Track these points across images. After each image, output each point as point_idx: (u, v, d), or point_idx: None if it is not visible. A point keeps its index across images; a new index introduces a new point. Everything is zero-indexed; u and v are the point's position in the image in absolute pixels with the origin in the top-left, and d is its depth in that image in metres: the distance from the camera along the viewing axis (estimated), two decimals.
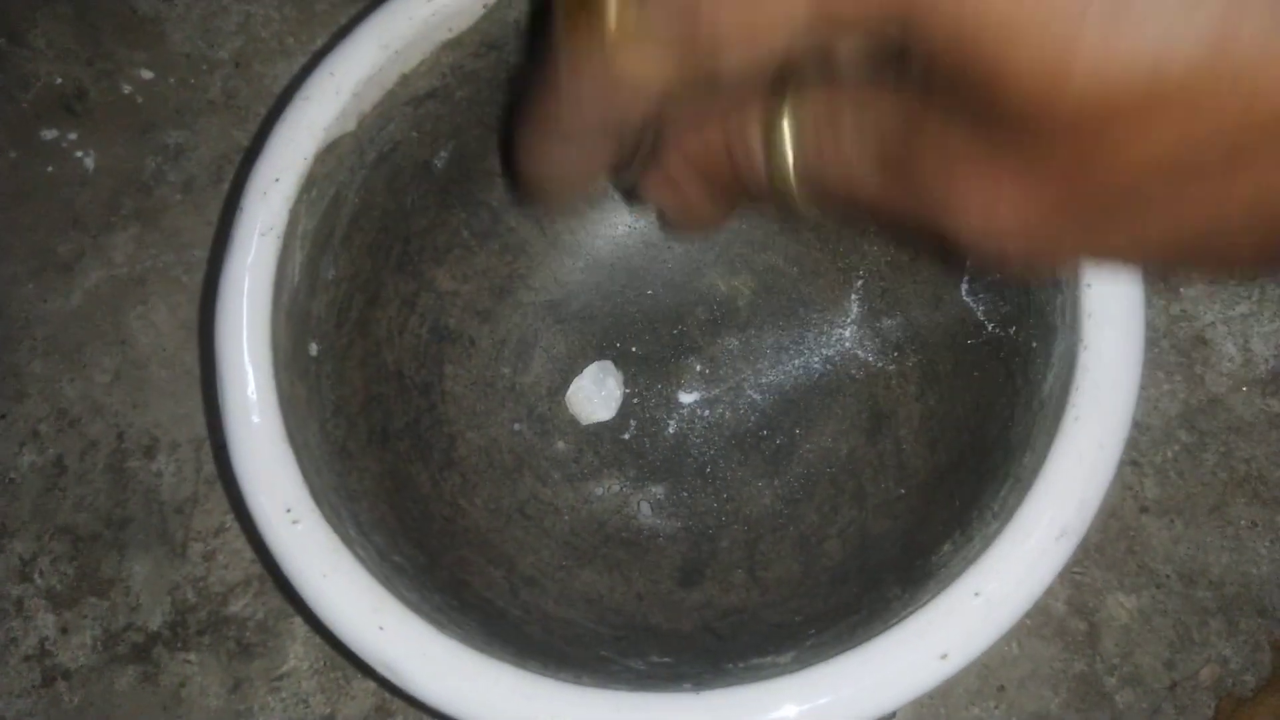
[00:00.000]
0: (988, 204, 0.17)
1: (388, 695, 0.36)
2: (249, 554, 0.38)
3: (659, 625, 0.32)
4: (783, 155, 0.20)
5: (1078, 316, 0.27)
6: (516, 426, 0.36)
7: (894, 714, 0.34)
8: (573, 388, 0.37)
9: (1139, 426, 0.39)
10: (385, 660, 0.24)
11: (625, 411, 0.37)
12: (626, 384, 0.38)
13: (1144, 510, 0.38)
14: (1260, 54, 0.14)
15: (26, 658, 0.37)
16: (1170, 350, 0.40)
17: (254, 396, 0.26)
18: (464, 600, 0.29)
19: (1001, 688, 0.36)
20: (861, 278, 0.36)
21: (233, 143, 0.44)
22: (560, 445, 0.37)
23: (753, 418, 0.37)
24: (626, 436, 0.37)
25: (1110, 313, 0.26)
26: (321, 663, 0.37)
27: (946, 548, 0.27)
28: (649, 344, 0.38)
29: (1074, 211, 0.17)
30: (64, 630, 0.38)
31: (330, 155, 0.29)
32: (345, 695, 0.37)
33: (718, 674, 0.26)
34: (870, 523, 0.33)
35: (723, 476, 0.36)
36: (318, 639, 0.37)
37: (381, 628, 0.24)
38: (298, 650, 0.37)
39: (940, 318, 0.34)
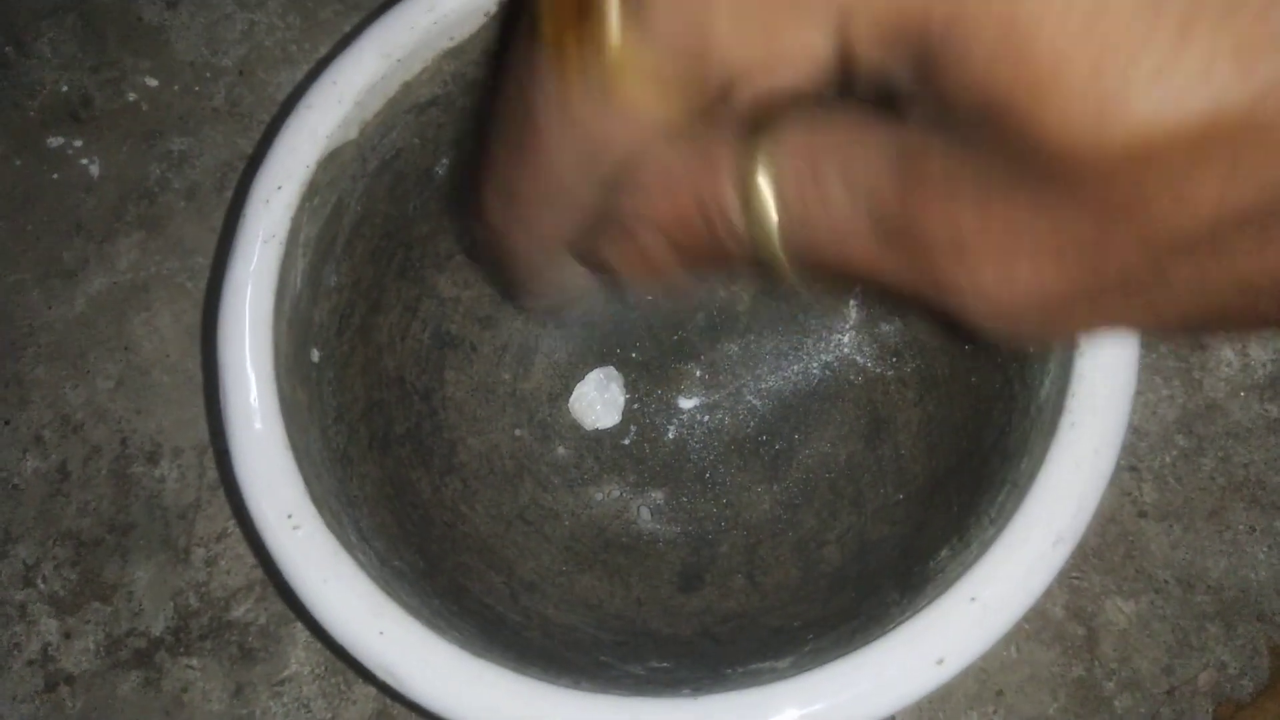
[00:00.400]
0: (1003, 280, 0.16)
1: (388, 700, 0.37)
2: (251, 559, 0.39)
3: (658, 630, 0.32)
4: (763, 217, 0.18)
5: None
6: (517, 432, 0.36)
7: (892, 719, 0.34)
8: (576, 394, 0.37)
9: (1137, 431, 0.39)
10: (386, 665, 0.24)
11: (625, 417, 0.38)
12: (627, 389, 0.38)
13: (1142, 515, 0.38)
14: None
15: (30, 663, 0.37)
16: (1168, 355, 0.40)
17: (256, 403, 0.27)
18: (464, 605, 0.29)
19: (1000, 692, 0.36)
20: (860, 283, 0.36)
21: (236, 150, 0.44)
22: (560, 451, 0.37)
23: (752, 423, 0.37)
24: (626, 442, 0.37)
25: None
26: (323, 668, 0.37)
27: (944, 553, 0.27)
28: (649, 350, 0.38)
29: (1101, 279, 0.15)
30: (67, 635, 0.38)
31: (333, 163, 0.29)
32: (346, 700, 0.37)
33: (716, 679, 0.26)
34: (869, 528, 0.33)
35: (722, 482, 0.36)
36: (319, 644, 0.37)
37: (382, 633, 0.24)
38: (299, 655, 0.37)
39: (938, 323, 0.34)
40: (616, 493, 0.36)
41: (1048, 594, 0.24)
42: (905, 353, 0.35)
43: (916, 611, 0.24)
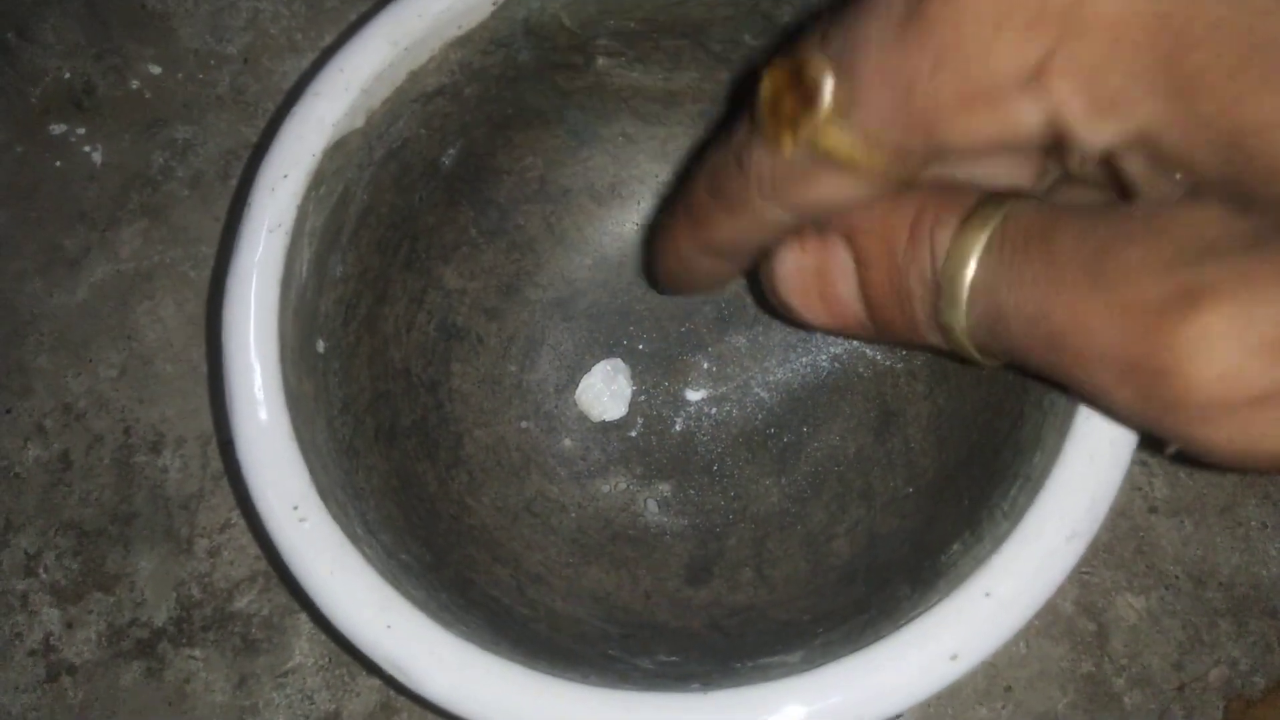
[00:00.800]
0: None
1: (393, 693, 0.36)
2: (255, 550, 0.38)
3: (666, 623, 0.32)
4: (959, 290, 0.17)
5: None
6: (524, 424, 0.36)
7: (901, 714, 0.34)
8: (582, 385, 0.37)
9: None
10: (392, 658, 0.24)
11: (632, 409, 0.37)
12: (634, 381, 0.38)
13: (1153, 510, 0.38)
14: None
15: (31, 653, 0.37)
16: None
17: (261, 393, 0.26)
18: (470, 598, 0.29)
19: (1009, 688, 0.36)
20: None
21: (241, 139, 0.44)
22: (567, 443, 0.37)
23: (760, 416, 0.37)
24: (633, 434, 0.37)
25: None
26: (327, 659, 0.37)
27: (956, 547, 0.27)
28: (656, 341, 0.38)
29: None
30: (69, 625, 0.38)
31: (339, 152, 0.29)
32: (350, 692, 0.36)
33: (726, 673, 0.26)
34: (878, 521, 0.33)
35: (730, 474, 0.36)
36: (323, 636, 0.37)
37: (388, 626, 0.24)
38: (303, 647, 0.37)
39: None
40: (623, 485, 0.36)
41: (1058, 589, 0.24)
42: None
43: (929, 606, 0.24)
